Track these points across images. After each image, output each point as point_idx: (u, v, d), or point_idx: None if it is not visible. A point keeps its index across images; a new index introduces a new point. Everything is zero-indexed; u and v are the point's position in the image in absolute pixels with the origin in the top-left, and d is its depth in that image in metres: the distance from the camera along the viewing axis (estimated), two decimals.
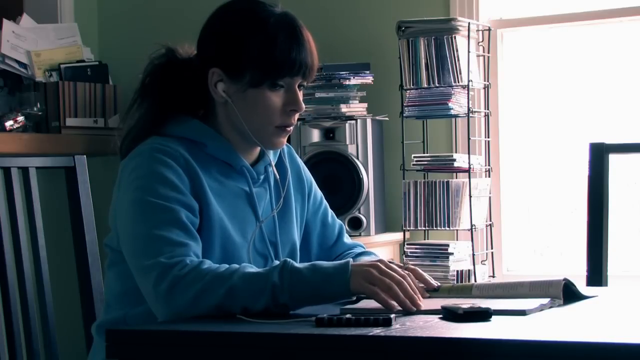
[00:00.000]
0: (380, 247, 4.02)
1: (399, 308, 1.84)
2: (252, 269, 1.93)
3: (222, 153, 2.12)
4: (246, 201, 2.14)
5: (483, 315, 1.74)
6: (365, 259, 2.16)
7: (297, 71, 2.09)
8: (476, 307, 1.76)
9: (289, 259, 1.93)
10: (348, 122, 3.98)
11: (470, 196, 3.81)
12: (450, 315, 1.76)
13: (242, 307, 1.88)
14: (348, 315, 1.72)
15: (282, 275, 1.88)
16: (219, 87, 2.10)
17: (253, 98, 2.08)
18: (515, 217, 4.16)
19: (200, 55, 2.15)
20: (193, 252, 1.97)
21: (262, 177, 2.18)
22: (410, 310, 1.84)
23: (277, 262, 1.93)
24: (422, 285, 2.03)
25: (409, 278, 1.89)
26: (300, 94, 2.12)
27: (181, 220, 1.99)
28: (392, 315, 1.72)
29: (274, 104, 2.09)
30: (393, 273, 1.88)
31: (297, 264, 1.92)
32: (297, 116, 2.13)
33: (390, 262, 1.94)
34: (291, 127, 2.13)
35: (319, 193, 2.33)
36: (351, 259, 1.95)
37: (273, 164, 2.21)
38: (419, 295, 1.89)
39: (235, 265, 1.94)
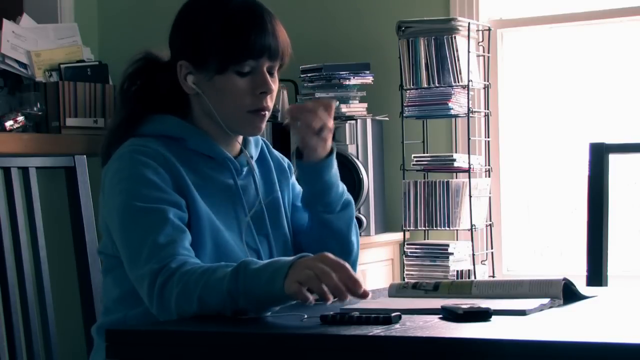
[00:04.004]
0: (380, 247, 4.02)
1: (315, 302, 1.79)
2: (221, 272, 1.89)
3: (203, 146, 2.12)
4: (231, 194, 2.13)
5: (483, 315, 1.74)
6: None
7: (260, 53, 2.07)
8: (476, 307, 1.76)
9: (249, 259, 1.90)
10: (348, 122, 3.98)
11: (470, 196, 3.82)
12: (451, 315, 1.76)
13: (216, 312, 1.87)
14: (354, 313, 1.73)
15: (236, 278, 1.85)
16: (189, 79, 2.11)
17: (221, 85, 2.08)
18: (515, 217, 4.16)
19: (170, 52, 2.16)
20: (182, 247, 1.97)
21: (245, 169, 2.18)
22: (327, 300, 1.76)
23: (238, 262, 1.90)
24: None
25: (345, 267, 1.81)
26: (275, 79, 2.11)
27: (167, 218, 1.99)
28: (394, 314, 1.72)
29: (241, 88, 2.08)
30: (319, 264, 1.78)
31: (256, 263, 1.87)
32: (270, 99, 2.11)
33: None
34: (265, 112, 2.11)
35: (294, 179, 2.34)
36: (307, 254, 1.84)
37: (255, 156, 2.21)
38: (354, 284, 1.79)
39: (212, 267, 1.91)
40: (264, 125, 2.13)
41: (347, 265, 1.81)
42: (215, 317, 1.88)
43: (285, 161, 2.31)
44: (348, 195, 2.25)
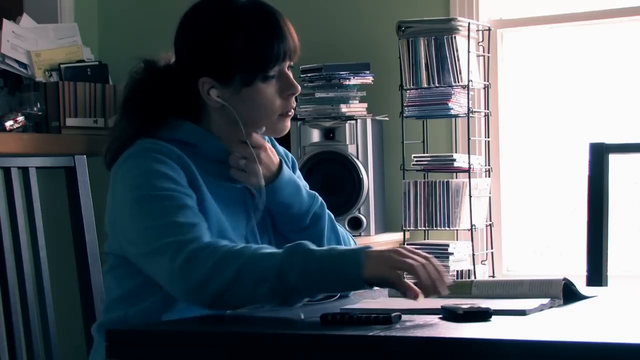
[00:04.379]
0: (381, 247, 4.01)
1: (421, 297, 1.79)
2: (269, 249, 1.90)
3: (215, 151, 2.12)
4: (240, 197, 2.13)
5: (483, 315, 1.74)
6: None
7: (284, 58, 2.09)
8: (476, 307, 1.76)
9: (304, 241, 1.90)
10: (348, 122, 3.98)
11: (470, 196, 3.82)
12: (450, 315, 1.76)
13: (250, 289, 1.84)
14: (354, 313, 1.73)
15: (292, 254, 1.85)
16: (212, 93, 2.09)
17: (249, 96, 2.09)
18: (515, 217, 4.16)
19: (180, 63, 2.14)
20: (205, 230, 1.96)
21: None
22: (435, 294, 1.80)
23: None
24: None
25: (433, 260, 1.86)
26: (291, 75, 2.13)
27: (187, 204, 1.98)
28: (394, 314, 1.72)
29: (271, 95, 2.10)
30: (416, 256, 1.85)
31: (313, 246, 1.88)
32: (295, 98, 2.14)
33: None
34: (292, 111, 2.14)
35: (299, 174, 2.34)
36: (371, 247, 1.89)
37: None
38: (444, 279, 1.84)
39: (254, 246, 1.92)
40: (289, 122, 2.16)
41: (432, 260, 1.86)
42: (215, 317, 1.88)
43: (290, 155, 2.31)
44: (319, 209, 2.21)
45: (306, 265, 1.84)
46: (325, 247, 1.90)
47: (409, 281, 1.83)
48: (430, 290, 1.82)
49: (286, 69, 2.11)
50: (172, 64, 2.17)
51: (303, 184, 2.26)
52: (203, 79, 2.09)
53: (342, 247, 1.89)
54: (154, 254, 1.94)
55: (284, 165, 2.17)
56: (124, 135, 2.12)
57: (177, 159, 2.05)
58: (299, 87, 2.13)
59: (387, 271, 1.83)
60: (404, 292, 1.82)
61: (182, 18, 2.15)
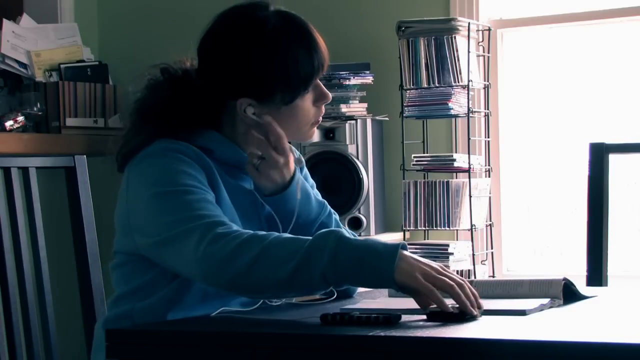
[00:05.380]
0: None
1: (452, 310, 1.75)
2: (296, 237, 1.89)
3: (230, 156, 2.11)
4: (251, 202, 2.13)
5: (450, 316, 1.73)
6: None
7: (321, 71, 2.12)
8: (443, 308, 1.74)
9: (340, 229, 1.88)
10: (348, 122, 3.98)
11: (470, 196, 3.82)
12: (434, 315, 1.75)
13: (273, 269, 1.81)
14: (355, 313, 1.72)
15: (325, 238, 1.82)
16: (248, 111, 2.08)
17: (288, 112, 2.09)
18: (515, 217, 4.16)
19: (212, 81, 2.11)
20: (230, 222, 1.94)
21: None
22: (471, 313, 1.75)
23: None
24: None
25: (467, 283, 1.82)
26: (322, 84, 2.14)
27: (208, 199, 1.97)
28: (394, 314, 1.72)
29: (308, 108, 2.11)
30: (452, 275, 1.81)
31: (348, 234, 1.86)
32: None
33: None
34: (321, 117, 2.15)
35: (307, 172, 2.33)
36: (405, 243, 1.85)
37: None
38: (479, 303, 1.80)
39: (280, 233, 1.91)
40: None
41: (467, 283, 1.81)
42: (215, 318, 1.88)
43: (297, 153, 2.31)
44: (326, 219, 2.20)
45: (338, 251, 1.80)
46: (362, 238, 1.86)
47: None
48: (467, 310, 1.76)
49: (318, 80, 2.12)
50: (189, 70, 2.15)
51: (311, 183, 2.27)
52: (241, 100, 2.08)
53: (380, 241, 1.83)
54: (178, 238, 1.92)
55: (298, 174, 2.16)
56: (139, 137, 2.10)
57: (197, 158, 2.04)
58: (330, 95, 2.14)
59: (419, 282, 1.77)
60: (438, 304, 1.77)
61: (209, 36, 2.12)
